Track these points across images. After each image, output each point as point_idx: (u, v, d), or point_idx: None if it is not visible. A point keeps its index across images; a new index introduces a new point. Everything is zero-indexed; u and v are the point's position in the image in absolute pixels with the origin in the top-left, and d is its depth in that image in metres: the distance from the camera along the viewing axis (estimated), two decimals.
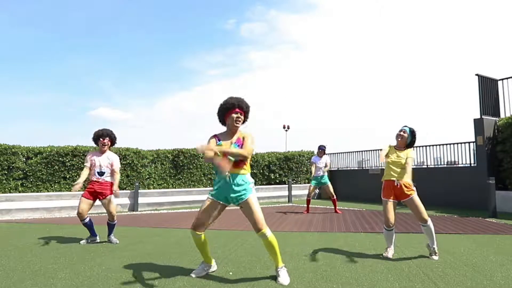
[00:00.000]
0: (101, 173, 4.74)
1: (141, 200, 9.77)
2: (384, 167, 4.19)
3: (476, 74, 8.71)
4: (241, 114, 3.11)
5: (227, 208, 3.26)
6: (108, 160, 4.84)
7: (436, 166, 10.22)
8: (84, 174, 4.69)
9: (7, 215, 8.08)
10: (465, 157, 9.36)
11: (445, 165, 9.90)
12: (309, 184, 7.80)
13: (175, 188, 11.21)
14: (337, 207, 8.77)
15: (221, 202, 3.08)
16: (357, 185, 12.54)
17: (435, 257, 3.73)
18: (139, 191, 9.76)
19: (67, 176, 9.75)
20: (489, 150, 8.40)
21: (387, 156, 4.02)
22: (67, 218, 7.76)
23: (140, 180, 10.63)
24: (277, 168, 13.26)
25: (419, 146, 10.45)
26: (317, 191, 12.92)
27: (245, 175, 3.09)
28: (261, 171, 13.10)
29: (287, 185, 12.50)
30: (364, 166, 13.32)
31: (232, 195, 3.03)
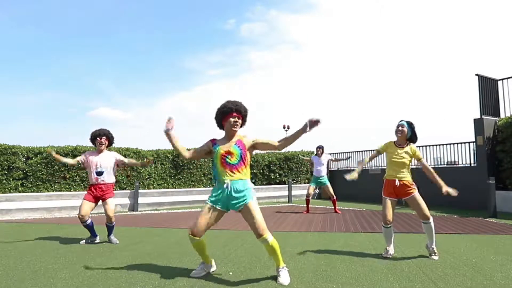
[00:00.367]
0: (99, 173, 4.72)
1: (141, 200, 9.77)
2: (384, 168, 4.18)
3: (476, 74, 8.71)
4: (238, 118, 3.08)
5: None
6: (108, 160, 4.82)
7: (436, 166, 10.22)
8: (70, 161, 4.80)
9: (7, 215, 8.08)
10: (465, 157, 9.35)
11: (445, 165, 9.90)
12: (308, 184, 7.80)
13: (175, 188, 11.21)
14: (337, 207, 8.75)
15: (220, 209, 3.05)
16: (357, 185, 12.51)
17: (435, 257, 3.72)
18: (139, 191, 9.76)
19: (67, 176, 9.75)
20: (489, 150, 8.40)
21: (388, 152, 4.00)
22: (67, 218, 7.76)
23: (140, 180, 10.63)
24: (277, 168, 13.26)
25: (419, 146, 10.45)
26: (317, 191, 12.93)
27: (245, 180, 3.05)
28: (261, 171, 13.10)
29: (287, 185, 12.50)
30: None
31: (232, 201, 3.00)
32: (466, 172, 9.14)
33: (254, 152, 3.14)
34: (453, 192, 3.79)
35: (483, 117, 8.49)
